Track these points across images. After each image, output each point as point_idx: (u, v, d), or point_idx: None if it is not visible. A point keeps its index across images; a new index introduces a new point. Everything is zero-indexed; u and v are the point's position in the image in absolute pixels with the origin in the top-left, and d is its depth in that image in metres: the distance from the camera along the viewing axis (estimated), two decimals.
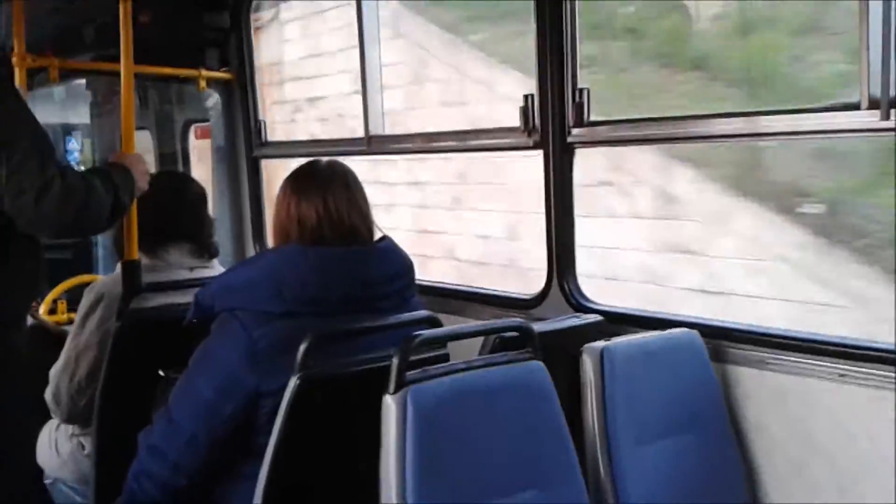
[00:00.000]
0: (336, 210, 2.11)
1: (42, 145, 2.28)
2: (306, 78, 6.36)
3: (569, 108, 2.78)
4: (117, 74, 2.78)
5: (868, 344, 2.21)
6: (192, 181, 2.97)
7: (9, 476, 2.35)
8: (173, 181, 2.97)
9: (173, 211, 2.76)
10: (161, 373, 2.30)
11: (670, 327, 2.44)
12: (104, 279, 2.86)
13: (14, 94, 2.36)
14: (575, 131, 2.78)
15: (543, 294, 2.93)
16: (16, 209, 2.23)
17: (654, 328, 2.45)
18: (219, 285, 2.10)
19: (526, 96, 2.87)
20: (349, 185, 2.16)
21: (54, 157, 2.30)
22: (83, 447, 2.70)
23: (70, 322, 3.14)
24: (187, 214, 2.79)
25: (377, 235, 2.20)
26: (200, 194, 2.89)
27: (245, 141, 4.11)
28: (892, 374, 2.12)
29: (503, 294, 3.24)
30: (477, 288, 3.45)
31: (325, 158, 2.25)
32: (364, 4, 3.56)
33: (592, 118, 2.78)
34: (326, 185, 2.13)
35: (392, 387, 1.75)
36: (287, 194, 2.16)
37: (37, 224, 2.28)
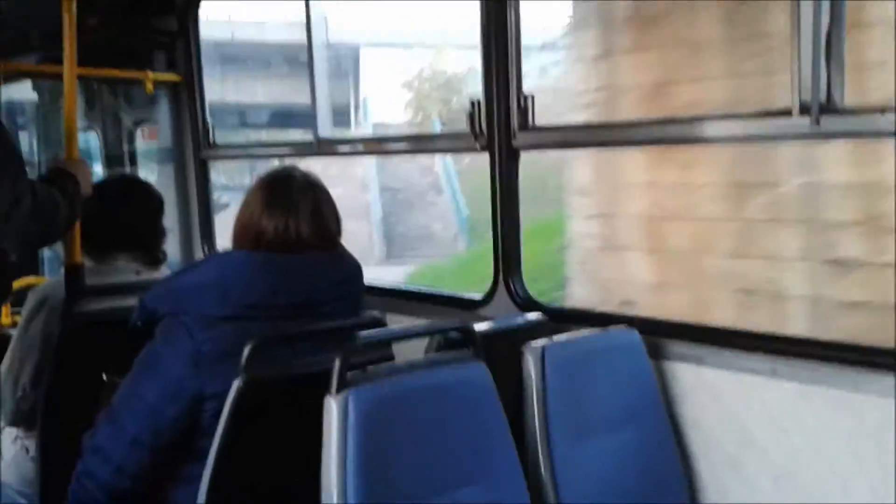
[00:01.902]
0: (296, 232, 2.12)
1: (13, 160, 2.23)
2: None
3: (514, 114, 2.84)
4: (62, 77, 2.77)
5: (798, 338, 2.29)
6: (150, 188, 2.92)
7: None
8: (131, 188, 2.91)
9: (127, 219, 2.75)
10: (105, 376, 2.30)
11: (612, 323, 2.51)
12: (49, 282, 2.84)
13: None
14: (520, 135, 2.84)
15: (490, 294, 2.97)
16: None
17: (597, 325, 2.51)
18: (164, 288, 2.11)
19: (472, 102, 2.92)
20: (318, 208, 2.16)
21: (25, 172, 2.26)
22: (27, 450, 2.68)
23: (14, 325, 3.11)
24: (142, 223, 2.78)
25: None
26: (158, 203, 2.86)
27: (192, 143, 4.10)
28: (821, 369, 2.19)
29: (451, 295, 3.28)
30: (425, 288, 3.49)
31: (299, 171, 2.21)
32: (312, 5, 3.57)
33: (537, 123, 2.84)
34: (294, 207, 2.13)
35: (334, 388, 1.78)
36: (255, 201, 2.16)
37: (2, 239, 2.24)
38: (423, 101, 18.55)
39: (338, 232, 2.21)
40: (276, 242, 2.10)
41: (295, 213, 2.12)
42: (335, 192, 2.26)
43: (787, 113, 2.23)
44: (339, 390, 1.77)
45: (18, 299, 3.02)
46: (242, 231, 2.16)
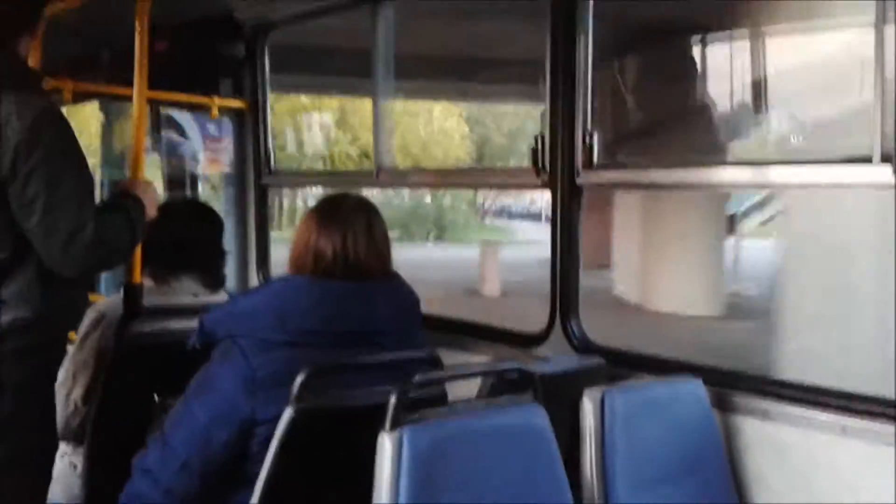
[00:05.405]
0: (353, 251, 2.12)
1: (85, 185, 2.21)
2: None
3: (578, 151, 2.79)
4: (131, 99, 2.79)
5: (869, 397, 2.19)
6: (214, 213, 2.97)
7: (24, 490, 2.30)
8: (197, 213, 2.96)
9: (191, 243, 2.76)
10: (156, 397, 2.29)
11: (673, 370, 2.43)
12: (107, 300, 2.85)
13: (66, 127, 2.23)
14: (584, 173, 2.79)
15: (546, 332, 2.90)
16: (43, 249, 2.16)
17: (657, 371, 2.43)
18: (223, 311, 2.11)
19: (537, 137, 2.88)
20: (371, 226, 2.17)
21: (93, 198, 2.24)
22: (75, 467, 2.68)
23: (70, 341, 3.13)
24: (205, 247, 2.79)
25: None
26: (220, 225, 2.89)
27: (254, 169, 4.13)
28: (893, 430, 2.09)
29: (506, 330, 3.22)
30: (479, 322, 3.43)
31: (352, 193, 2.26)
32: (380, 42, 3.58)
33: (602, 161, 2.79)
34: (348, 224, 2.14)
35: (388, 425, 1.73)
36: (309, 225, 2.17)
37: (60, 266, 2.20)
38: None
39: (389, 255, 2.19)
40: (334, 265, 2.10)
41: (351, 229, 2.12)
42: None
43: (867, 160, 2.15)
44: (393, 427, 1.73)
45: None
46: (300, 256, 2.15)
